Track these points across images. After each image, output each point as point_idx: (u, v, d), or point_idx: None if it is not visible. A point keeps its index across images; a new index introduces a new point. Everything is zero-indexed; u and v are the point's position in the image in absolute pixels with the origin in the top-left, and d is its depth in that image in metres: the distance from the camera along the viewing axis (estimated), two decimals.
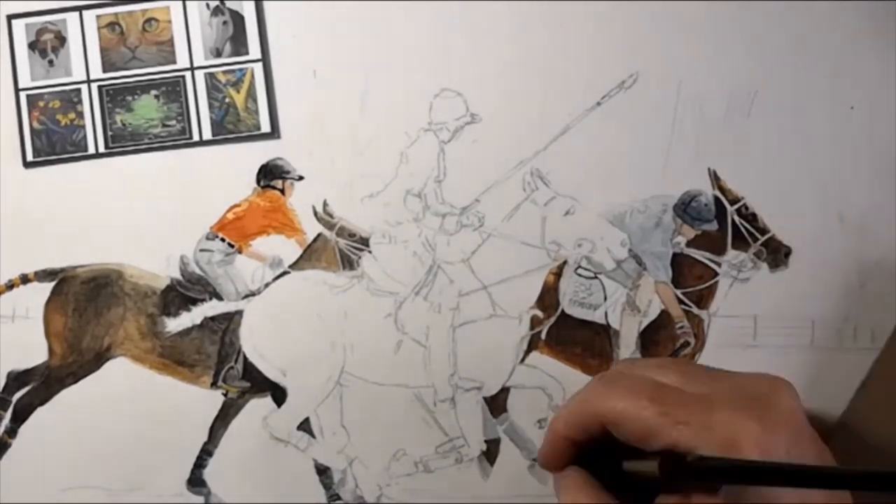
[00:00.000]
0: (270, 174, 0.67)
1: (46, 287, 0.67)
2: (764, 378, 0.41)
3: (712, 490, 0.36)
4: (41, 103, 0.67)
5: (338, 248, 0.67)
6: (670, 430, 0.37)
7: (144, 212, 0.67)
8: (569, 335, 0.67)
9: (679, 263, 0.67)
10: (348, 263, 0.67)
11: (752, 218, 0.66)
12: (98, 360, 0.67)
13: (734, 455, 0.36)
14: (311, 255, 0.67)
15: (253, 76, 0.67)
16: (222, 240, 0.67)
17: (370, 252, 0.67)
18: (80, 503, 0.65)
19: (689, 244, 0.67)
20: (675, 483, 0.38)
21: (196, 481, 0.66)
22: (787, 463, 0.36)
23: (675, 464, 0.36)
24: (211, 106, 0.67)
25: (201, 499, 0.66)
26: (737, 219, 0.67)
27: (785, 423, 0.38)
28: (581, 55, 0.67)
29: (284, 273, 0.67)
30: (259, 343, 0.67)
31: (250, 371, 0.66)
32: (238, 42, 0.67)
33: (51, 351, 0.66)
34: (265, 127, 0.67)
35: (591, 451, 0.42)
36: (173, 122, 0.67)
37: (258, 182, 0.67)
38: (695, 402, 0.38)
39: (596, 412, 0.40)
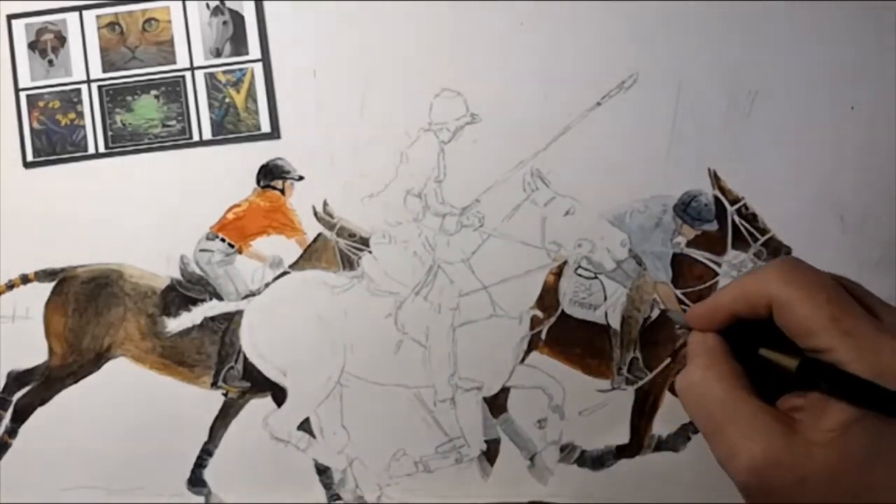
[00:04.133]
0: (270, 174, 0.67)
1: (47, 287, 0.67)
2: None
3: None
4: (41, 103, 0.67)
5: (338, 249, 0.67)
6: (834, 337, 0.37)
7: (144, 212, 0.67)
8: (569, 335, 0.67)
9: (679, 263, 0.67)
10: (348, 263, 0.67)
11: (752, 218, 0.66)
12: (98, 360, 0.67)
13: (885, 384, 0.35)
14: (311, 256, 0.67)
15: (253, 76, 0.67)
16: (222, 240, 0.67)
17: (370, 252, 0.67)
18: (80, 503, 0.65)
19: (689, 244, 0.67)
20: (808, 386, 0.37)
21: (196, 481, 0.66)
22: None
23: (818, 371, 0.36)
24: (211, 106, 0.67)
25: (202, 498, 0.66)
26: (737, 219, 0.67)
27: None
28: (581, 56, 0.67)
29: (284, 273, 0.67)
30: (259, 343, 0.67)
31: (250, 371, 0.66)
32: (238, 42, 0.67)
33: (51, 351, 0.66)
34: (265, 127, 0.67)
35: (733, 330, 0.42)
36: (173, 123, 0.67)
37: (258, 182, 0.67)
38: (868, 322, 0.37)
39: (770, 294, 0.39)
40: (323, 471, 0.66)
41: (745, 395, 0.39)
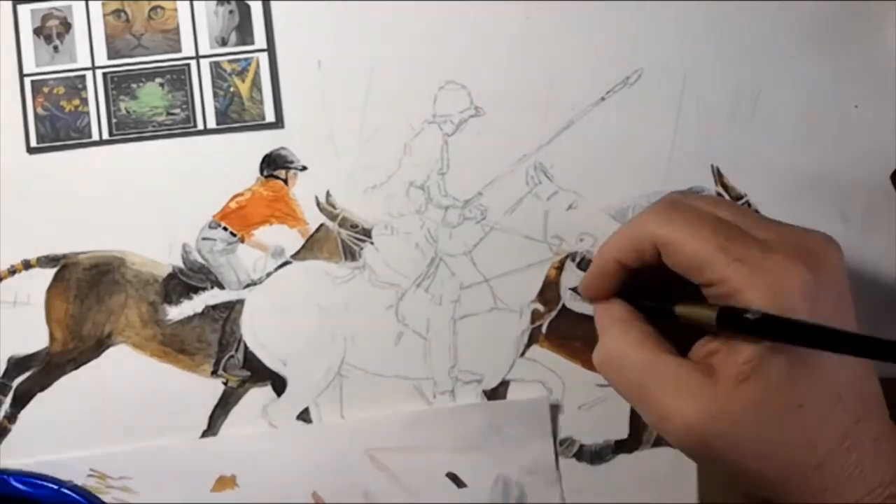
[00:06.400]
0: (274, 164, 0.67)
1: (48, 273, 0.67)
2: (818, 233, 0.41)
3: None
4: (45, 89, 0.67)
5: (340, 239, 0.67)
6: (725, 266, 0.37)
7: (147, 199, 0.67)
8: (569, 329, 0.67)
9: None
10: (350, 254, 0.67)
11: None
12: (99, 346, 0.67)
13: (781, 302, 0.36)
14: (313, 246, 0.67)
15: (258, 66, 0.67)
16: (224, 229, 0.67)
17: (372, 243, 0.67)
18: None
19: None
20: (729, 333, 0.37)
21: None
22: (855, 333, 0.35)
23: (736, 319, 0.36)
24: (215, 95, 0.67)
25: None
26: None
27: (834, 281, 0.39)
28: (586, 50, 0.67)
29: (286, 263, 0.67)
30: (260, 332, 0.67)
31: (251, 360, 0.67)
32: (244, 31, 0.67)
33: (52, 337, 0.66)
34: (269, 117, 0.67)
35: (635, 290, 0.41)
36: (178, 111, 0.67)
37: (261, 171, 0.67)
38: (753, 243, 0.38)
39: (653, 235, 0.39)
40: None
41: (663, 356, 0.39)
